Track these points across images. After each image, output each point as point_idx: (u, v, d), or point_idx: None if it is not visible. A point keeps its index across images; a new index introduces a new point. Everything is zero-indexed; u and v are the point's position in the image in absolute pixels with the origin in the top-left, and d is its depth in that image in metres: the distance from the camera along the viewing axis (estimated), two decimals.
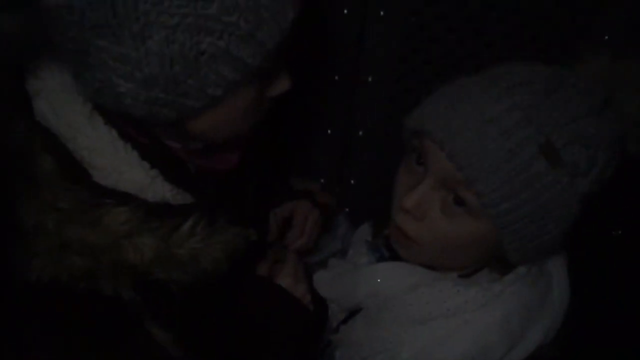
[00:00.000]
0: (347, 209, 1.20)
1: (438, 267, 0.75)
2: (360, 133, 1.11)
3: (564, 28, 0.92)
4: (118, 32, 0.52)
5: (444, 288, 0.72)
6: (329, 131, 1.12)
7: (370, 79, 1.04)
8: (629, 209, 0.76)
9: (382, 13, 0.95)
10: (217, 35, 0.54)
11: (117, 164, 0.62)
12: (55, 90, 0.62)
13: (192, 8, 0.52)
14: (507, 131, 0.61)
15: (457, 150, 0.62)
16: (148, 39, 0.52)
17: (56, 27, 0.55)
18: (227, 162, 0.71)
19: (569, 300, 0.73)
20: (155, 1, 0.51)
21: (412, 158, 0.71)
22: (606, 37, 0.77)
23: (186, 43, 0.53)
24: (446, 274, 0.75)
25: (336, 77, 1.03)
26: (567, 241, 0.70)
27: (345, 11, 0.96)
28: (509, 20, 0.94)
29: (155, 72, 0.54)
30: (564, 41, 0.91)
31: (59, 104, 0.61)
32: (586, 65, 0.69)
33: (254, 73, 0.58)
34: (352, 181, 1.19)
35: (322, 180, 1.20)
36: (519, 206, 0.62)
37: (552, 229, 0.65)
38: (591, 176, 0.64)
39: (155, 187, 0.63)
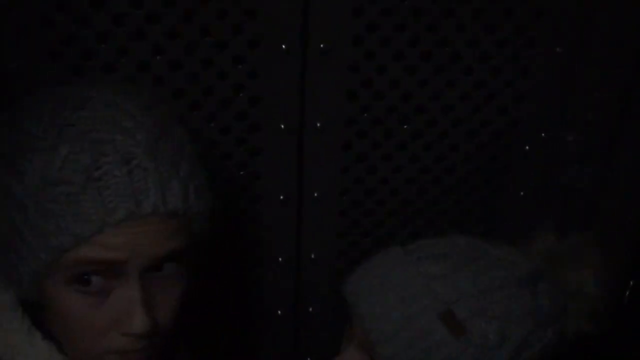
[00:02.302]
0: None
1: None
2: (310, 309, 1.11)
3: None
4: None
5: None
6: (279, 312, 1.13)
7: (313, 255, 1.07)
8: None
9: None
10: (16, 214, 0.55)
11: None
12: None
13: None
14: (407, 298, 0.63)
15: (364, 313, 0.65)
16: None
17: None
18: None
19: None
20: None
21: (349, 323, 0.72)
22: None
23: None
24: None
25: (280, 259, 1.06)
26: None
27: (281, 197, 1.02)
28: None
29: None
30: None
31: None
32: (534, 243, 0.72)
33: (52, 271, 0.56)
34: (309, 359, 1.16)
35: None
36: None
37: None
38: (505, 350, 0.63)
39: None
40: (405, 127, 0.97)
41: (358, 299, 0.66)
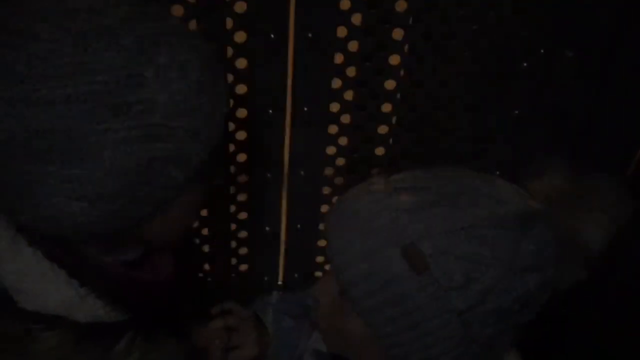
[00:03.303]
0: None
1: None
2: (299, 226, 1.12)
3: None
4: (67, 154, 0.51)
5: None
6: (267, 228, 1.13)
7: (302, 173, 1.06)
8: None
9: None
10: (165, 139, 0.54)
11: (44, 285, 0.59)
12: None
13: (137, 120, 0.52)
14: (372, 231, 0.61)
15: (331, 242, 0.64)
16: (99, 156, 0.52)
17: None
18: (161, 272, 0.70)
19: None
20: (101, 119, 0.51)
21: None
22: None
23: (137, 153, 0.53)
24: None
25: (268, 175, 1.05)
26: None
27: (270, 111, 1.00)
28: None
29: (109, 187, 0.53)
30: None
31: None
32: (541, 181, 0.68)
33: (201, 169, 0.59)
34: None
35: None
36: (383, 307, 0.60)
37: (432, 344, 0.61)
38: (471, 292, 0.59)
39: (86, 306, 0.60)
40: (399, 40, 0.93)
41: (328, 230, 0.65)
